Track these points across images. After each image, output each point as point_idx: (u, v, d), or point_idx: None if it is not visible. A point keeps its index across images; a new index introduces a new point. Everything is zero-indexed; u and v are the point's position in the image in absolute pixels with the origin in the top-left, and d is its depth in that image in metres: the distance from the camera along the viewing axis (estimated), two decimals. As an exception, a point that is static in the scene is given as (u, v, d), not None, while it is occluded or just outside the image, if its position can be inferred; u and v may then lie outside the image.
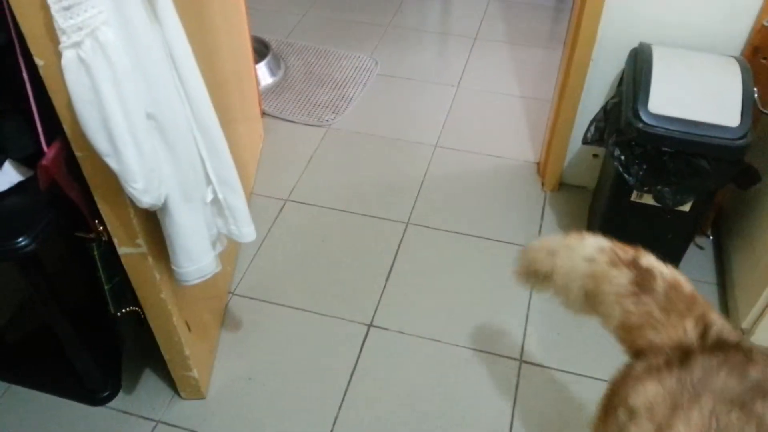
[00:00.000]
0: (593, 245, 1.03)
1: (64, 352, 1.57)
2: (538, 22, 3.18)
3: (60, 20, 0.87)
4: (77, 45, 0.89)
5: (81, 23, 0.88)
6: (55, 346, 1.58)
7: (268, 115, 2.58)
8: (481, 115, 2.57)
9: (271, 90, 2.71)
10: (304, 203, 2.20)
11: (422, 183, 2.27)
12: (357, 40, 3.02)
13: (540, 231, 2.09)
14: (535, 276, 1.12)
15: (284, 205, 2.20)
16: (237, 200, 1.30)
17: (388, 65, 2.84)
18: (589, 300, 1.02)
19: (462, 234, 2.08)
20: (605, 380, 1.66)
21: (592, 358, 1.73)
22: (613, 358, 1.72)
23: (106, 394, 1.66)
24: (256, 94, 2.44)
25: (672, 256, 1.80)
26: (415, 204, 2.19)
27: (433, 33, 3.11)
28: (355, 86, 2.72)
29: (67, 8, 0.87)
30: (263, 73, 2.74)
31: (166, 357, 1.54)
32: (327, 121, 2.54)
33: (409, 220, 2.13)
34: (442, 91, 2.70)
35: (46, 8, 0.89)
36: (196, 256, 1.25)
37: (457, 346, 1.76)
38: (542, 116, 2.54)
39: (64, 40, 0.89)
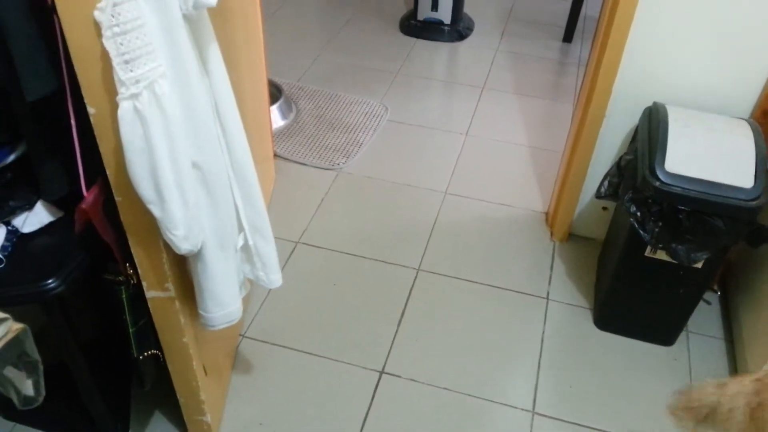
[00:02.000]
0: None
1: (74, 392, 1.55)
2: (543, 74, 3.26)
3: (120, 72, 0.90)
4: (135, 96, 0.91)
5: (140, 76, 0.91)
6: (65, 385, 1.56)
7: (280, 157, 2.60)
8: (489, 164, 2.62)
9: (283, 132, 2.74)
10: (315, 246, 2.21)
11: (432, 229, 2.29)
12: (367, 86, 3.08)
13: (550, 281, 2.11)
14: (697, 412, 1.09)
15: (295, 247, 2.21)
16: (268, 247, 1.31)
17: (397, 111, 2.89)
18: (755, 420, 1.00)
19: (473, 282, 2.10)
20: (619, 434, 1.68)
21: (605, 411, 1.74)
22: (625, 411, 1.73)
23: (115, 436, 1.64)
24: (270, 136, 2.47)
25: (682, 310, 1.83)
26: (426, 250, 2.21)
27: (442, 81, 3.18)
28: (365, 131, 2.76)
29: (128, 61, 0.89)
30: (275, 116, 2.77)
31: (181, 401, 1.53)
32: (338, 164, 2.57)
33: (419, 266, 2.15)
34: (451, 139, 2.74)
35: (105, 60, 0.91)
36: (225, 301, 1.26)
37: (469, 395, 1.76)
38: (549, 167, 2.59)
39: (123, 92, 0.91)
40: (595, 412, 1.74)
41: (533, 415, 1.73)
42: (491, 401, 1.76)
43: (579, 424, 1.71)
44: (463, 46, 3.50)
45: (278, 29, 3.54)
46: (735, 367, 1.86)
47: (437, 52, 3.44)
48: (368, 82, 3.12)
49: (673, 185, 1.56)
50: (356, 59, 3.30)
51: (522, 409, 1.74)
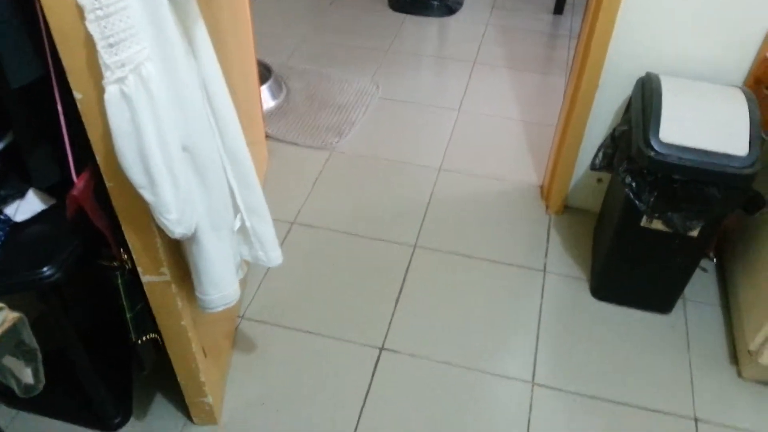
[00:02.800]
0: None
1: (75, 378, 1.56)
2: (534, 47, 3.23)
3: (105, 56, 0.88)
4: (121, 80, 0.90)
5: (125, 59, 0.89)
6: (65, 372, 1.57)
7: (272, 137, 2.59)
8: (482, 139, 2.61)
9: (274, 113, 2.72)
10: (310, 226, 2.21)
11: (428, 206, 2.29)
12: (357, 63, 3.05)
13: (546, 254, 2.11)
14: None
15: (291, 228, 2.20)
16: (265, 226, 1.31)
17: (389, 89, 2.87)
18: None
19: (469, 257, 2.10)
20: (617, 401, 1.69)
21: (603, 380, 1.75)
22: (624, 380, 1.75)
23: (117, 420, 1.65)
24: (261, 117, 2.45)
25: (679, 279, 1.84)
26: (422, 227, 2.21)
27: (433, 57, 3.15)
28: (357, 110, 2.74)
29: (112, 45, 0.88)
30: (265, 96, 2.75)
31: (182, 383, 1.54)
32: (331, 144, 2.56)
33: (416, 243, 2.15)
34: (443, 115, 2.73)
35: (89, 44, 0.90)
36: (221, 283, 1.25)
37: (469, 369, 1.77)
38: (543, 140, 2.58)
39: (108, 76, 0.90)
40: (594, 382, 1.75)
41: (533, 386, 1.74)
42: (491, 374, 1.77)
43: (578, 394, 1.72)
44: (453, 20, 3.46)
45: (266, 8, 3.50)
46: (732, 334, 1.87)
47: (427, 27, 3.40)
48: (359, 59, 3.09)
49: (667, 155, 1.55)
50: (346, 37, 3.27)
51: (521, 381, 1.75)
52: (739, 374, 1.77)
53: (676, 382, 1.76)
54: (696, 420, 1.67)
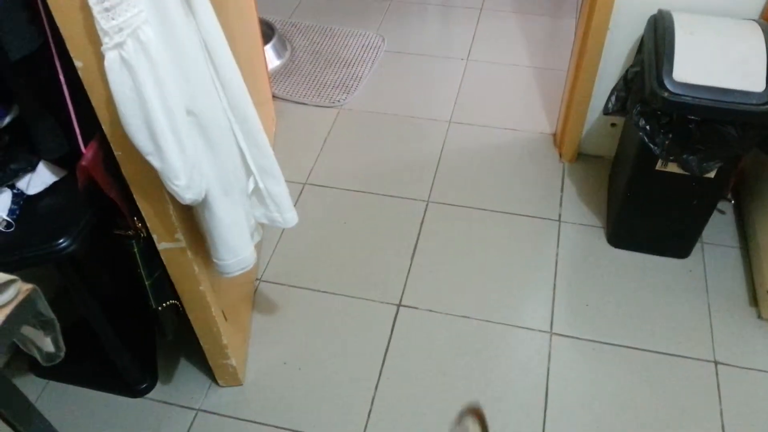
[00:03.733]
0: None
1: (101, 347, 1.59)
2: (542, -11, 3.14)
3: (102, 22, 0.86)
4: (119, 46, 0.89)
5: (122, 24, 0.88)
6: (92, 341, 1.60)
7: (278, 98, 2.56)
8: (492, 88, 2.56)
9: (279, 72, 2.69)
10: (322, 186, 2.20)
11: (439, 160, 2.27)
12: (361, 16, 2.99)
13: (561, 203, 2.09)
14: None
15: (303, 188, 2.20)
16: (278, 187, 1.30)
17: (395, 41, 2.82)
18: None
19: (483, 209, 2.09)
20: (636, 348, 1.69)
21: (622, 327, 1.75)
22: (642, 326, 1.75)
23: (144, 386, 1.68)
24: (266, 77, 2.42)
25: (696, 222, 1.82)
26: (434, 181, 2.19)
27: (438, 5, 3.07)
28: (363, 64, 2.70)
29: (108, 9, 0.86)
30: (270, 56, 2.71)
31: (205, 347, 1.56)
32: (338, 101, 2.53)
33: (429, 198, 2.14)
34: (451, 65, 2.68)
35: (85, 10, 0.88)
36: (237, 248, 1.26)
37: (488, 321, 1.78)
38: (554, 86, 2.53)
39: (107, 42, 0.88)
40: (612, 329, 1.75)
41: (551, 336, 1.75)
42: (509, 325, 1.78)
43: (597, 341, 1.73)
44: (458, -34, 3.37)
45: (266, -35, 3.42)
46: (751, 275, 1.86)
47: (432, -25, 3.31)
48: (362, 12, 3.02)
49: (682, 95, 1.51)
50: (349, -10, 3.19)
51: (540, 331, 1.76)
52: (759, 315, 1.77)
53: (696, 326, 1.75)
54: (716, 363, 1.67)
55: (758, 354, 1.69)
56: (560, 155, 2.24)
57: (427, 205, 2.12)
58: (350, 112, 2.49)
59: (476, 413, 0.67)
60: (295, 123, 2.46)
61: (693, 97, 1.51)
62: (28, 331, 0.75)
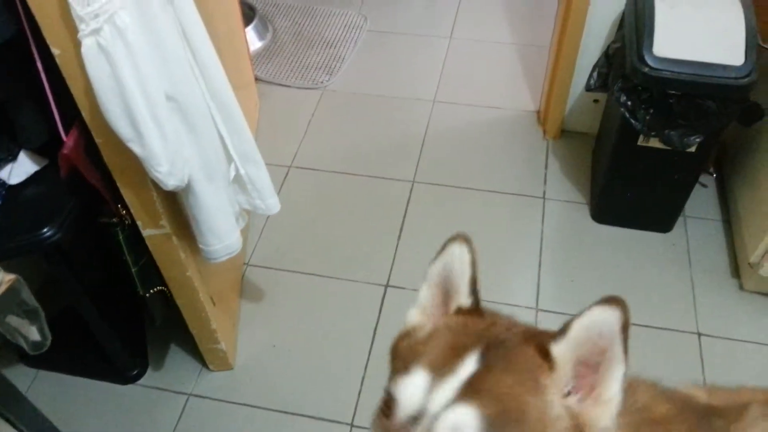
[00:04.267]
0: None
1: (91, 334, 1.59)
2: (524, -35, 3.12)
3: (78, 8, 0.86)
4: (96, 32, 0.88)
5: (98, 9, 0.87)
6: (80, 329, 1.60)
7: (261, 80, 2.54)
8: (476, 66, 2.56)
9: (261, 54, 2.66)
10: (308, 168, 2.20)
11: (424, 140, 2.27)
12: (343, -3, 2.96)
13: (545, 180, 2.11)
14: None
15: (288, 171, 2.20)
16: (259, 173, 1.30)
17: (377, 21, 2.80)
18: None
19: (468, 189, 2.10)
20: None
21: (606, 302, 1.78)
22: (627, 299, 1.77)
23: (135, 372, 1.69)
24: (248, 59, 2.40)
25: (679, 196, 1.84)
26: (419, 161, 2.19)
27: (420, -16, 3.05)
28: (346, 45, 2.68)
29: (83, -5, 0.85)
30: (251, 38, 2.68)
31: (194, 332, 1.57)
32: (321, 82, 2.51)
33: (414, 178, 2.14)
34: (435, 44, 2.67)
35: (61, -3, 0.87)
36: (223, 233, 1.26)
37: (474, 299, 1.80)
38: (538, 63, 2.53)
39: (83, 28, 0.88)
40: (597, 303, 1.78)
41: (537, 312, 1.77)
42: (496, 303, 1.78)
43: (582, 316, 1.75)
44: (439, -57, 3.34)
45: (245, -55, 3.37)
46: (733, 247, 1.88)
47: (413, -47, 3.28)
48: (344, -7, 2.99)
49: (662, 70, 1.52)
50: (330, -30, 3.16)
51: (526, 307, 1.78)
52: (741, 287, 1.80)
53: (679, 298, 1.78)
54: (699, 334, 1.71)
55: (740, 325, 1.72)
56: (544, 132, 2.25)
57: (412, 185, 2.12)
58: (334, 93, 2.48)
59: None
60: (278, 106, 2.44)
61: (673, 72, 1.52)
62: (13, 320, 0.76)
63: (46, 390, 1.68)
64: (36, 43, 0.99)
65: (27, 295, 0.76)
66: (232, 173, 1.26)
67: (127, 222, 1.27)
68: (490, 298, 1.87)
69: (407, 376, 0.66)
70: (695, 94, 1.53)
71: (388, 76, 2.53)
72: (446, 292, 0.77)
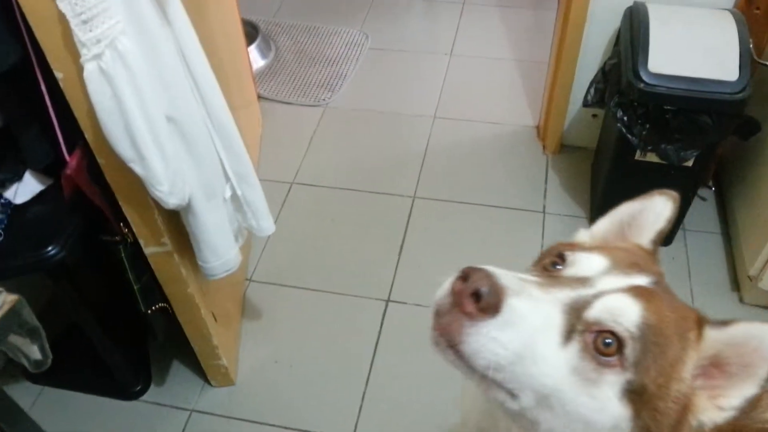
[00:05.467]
0: None
1: (94, 351, 1.61)
2: (524, -18, 3.16)
3: (80, 34, 0.88)
4: (98, 57, 0.91)
5: (100, 35, 0.89)
6: (84, 346, 1.62)
7: (264, 98, 2.57)
8: (476, 82, 2.58)
9: (264, 73, 2.70)
10: (310, 185, 2.22)
11: (425, 155, 2.29)
12: (344, 14, 3.00)
13: (545, 195, 2.12)
14: None
15: (290, 188, 2.22)
16: (255, 195, 1.32)
17: (378, 38, 2.83)
18: None
19: (469, 203, 2.11)
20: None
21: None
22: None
23: (138, 388, 1.70)
24: (251, 78, 2.43)
25: (678, 209, 1.84)
26: (420, 177, 2.21)
27: (420, 1, 3.09)
28: (348, 62, 2.71)
29: (86, 21, 0.88)
30: (254, 56, 2.72)
31: (196, 348, 1.58)
32: (323, 100, 2.54)
33: (415, 193, 2.16)
34: (435, 61, 2.70)
35: (64, 22, 0.90)
36: (221, 251, 1.28)
37: (475, 313, 1.81)
38: (537, 79, 2.55)
39: (85, 53, 0.90)
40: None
41: (537, 326, 1.77)
42: (496, 317, 1.80)
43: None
44: (440, -39, 3.38)
45: (248, -35, 3.42)
46: (732, 260, 1.89)
47: (414, -29, 3.32)
48: (345, 9, 3.03)
49: (657, 85, 1.54)
50: (331, -12, 3.20)
51: (526, 321, 1.78)
52: (741, 300, 1.80)
53: (679, 310, 1.78)
54: (699, 345, 1.71)
55: (740, 337, 1.72)
56: (543, 147, 2.27)
57: (413, 200, 2.14)
58: (336, 110, 2.51)
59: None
60: (281, 123, 2.47)
61: (668, 88, 1.54)
62: (14, 339, 0.78)
63: (51, 407, 1.69)
64: (40, 67, 1.01)
65: (28, 315, 0.78)
66: (228, 192, 1.27)
67: (129, 240, 1.29)
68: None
69: (588, 252, 0.69)
70: (690, 110, 1.55)
71: (390, 93, 2.56)
72: (623, 231, 0.80)
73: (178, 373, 1.74)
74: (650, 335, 0.61)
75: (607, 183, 1.85)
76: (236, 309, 1.83)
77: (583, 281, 0.65)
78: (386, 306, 1.85)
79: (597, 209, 1.96)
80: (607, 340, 0.61)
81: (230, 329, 1.73)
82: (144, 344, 1.80)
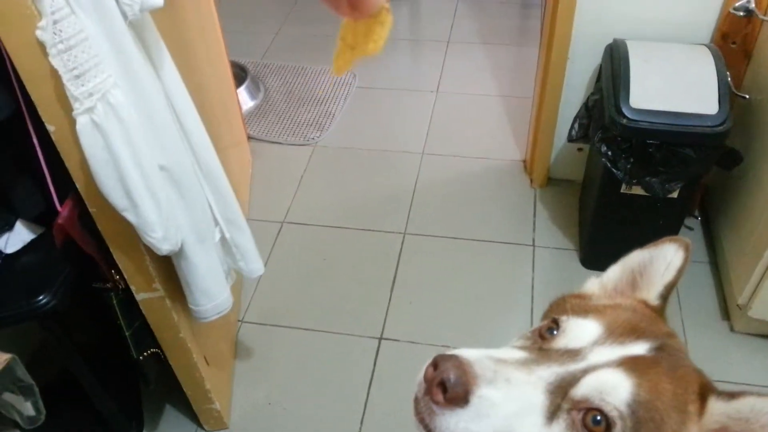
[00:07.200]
0: None
1: (86, 398, 1.59)
2: (507, 19, 3.24)
3: (72, 88, 0.90)
4: (90, 110, 0.92)
5: (92, 89, 0.91)
6: (76, 392, 1.60)
7: (254, 138, 2.60)
8: (463, 118, 2.62)
9: (254, 113, 2.73)
10: (300, 224, 2.23)
11: (414, 192, 2.31)
12: (332, 54, 3.04)
13: (534, 228, 2.14)
14: None
15: (281, 227, 2.23)
16: (243, 238, 1.33)
17: (366, 77, 2.88)
18: None
19: (458, 239, 2.13)
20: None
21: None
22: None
23: (130, 434, 1.68)
24: (240, 119, 2.46)
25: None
26: (410, 213, 2.23)
27: (406, 40, 3.15)
28: (336, 102, 2.75)
29: (78, 76, 0.90)
30: (243, 98, 2.76)
31: (188, 393, 1.57)
32: (312, 139, 2.57)
33: (405, 230, 2.17)
34: (422, 98, 2.74)
35: (56, 77, 0.92)
36: (213, 293, 1.28)
37: (468, 349, 1.81)
38: (523, 114, 2.60)
39: (77, 107, 0.92)
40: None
41: (531, 360, 1.77)
42: (489, 352, 1.80)
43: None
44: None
45: (234, 8, 3.48)
46: (722, 289, 1.90)
47: (398, 9, 3.39)
48: (332, 50, 3.07)
49: (639, 120, 1.58)
50: (317, 28, 3.26)
51: (520, 356, 1.79)
52: (731, 329, 1.81)
53: (671, 340, 1.79)
54: (692, 376, 1.71)
55: (733, 366, 1.73)
56: (531, 181, 2.30)
57: (404, 237, 2.15)
58: (325, 149, 2.53)
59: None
60: (271, 162, 2.49)
61: (650, 122, 1.57)
62: (8, 397, 0.77)
63: (41, 456, 1.66)
64: (32, 119, 1.03)
65: (22, 373, 0.78)
66: (218, 236, 1.28)
67: (120, 286, 1.29)
68: (483, 347, 1.87)
69: (583, 319, 0.66)
70: (673, 143, 1.58)
71: (378, 131, 2.59)
72: (635, 280, 0.77)
73: (171, 418, 1.72)
74: (643, 412, 0.59)
75: (594, 216, 1.87)
76: (229, 351, 1.82)
77: (573, 354, 0.63)
78: (379, 344, 1.85)
79: (586, 242, 1.98)
80: (597, 417, 0.59)
81: (223, 371, 1.72)
82: (136, 389, 1.78)
